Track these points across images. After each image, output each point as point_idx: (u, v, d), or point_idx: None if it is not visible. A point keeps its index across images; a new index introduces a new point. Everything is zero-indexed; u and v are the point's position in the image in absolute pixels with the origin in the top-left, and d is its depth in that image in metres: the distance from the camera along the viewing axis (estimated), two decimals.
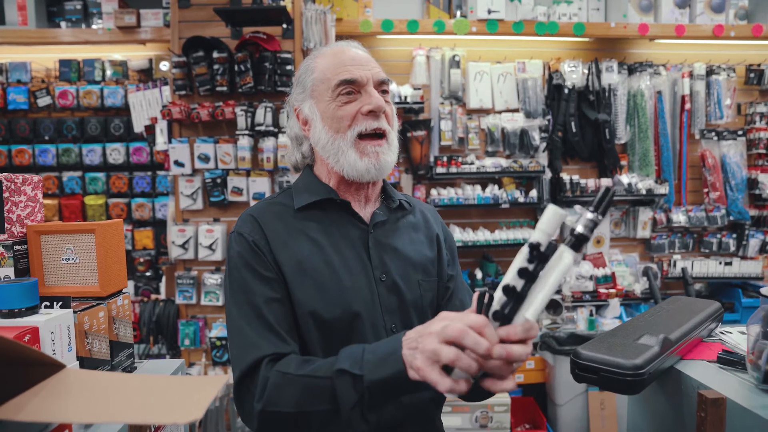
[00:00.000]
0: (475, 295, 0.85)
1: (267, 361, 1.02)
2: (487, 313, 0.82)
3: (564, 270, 0.78)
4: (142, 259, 3.63)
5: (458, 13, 3.69)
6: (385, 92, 1.17)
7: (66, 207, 3.65)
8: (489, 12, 3.54)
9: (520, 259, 0.79)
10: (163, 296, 3.33)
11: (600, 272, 3.68)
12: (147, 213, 3.66)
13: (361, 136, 1.13)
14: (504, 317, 0.81)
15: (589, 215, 0.77)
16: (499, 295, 0.81)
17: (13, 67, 3.66)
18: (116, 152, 3.63)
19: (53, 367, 0.87)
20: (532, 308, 0.79)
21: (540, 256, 0.77)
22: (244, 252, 1.11)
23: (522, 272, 0.78)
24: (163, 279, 3.36)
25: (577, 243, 0.78)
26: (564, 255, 0.78)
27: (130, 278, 3.67)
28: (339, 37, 3.43)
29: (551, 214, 0.78)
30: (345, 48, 1.19)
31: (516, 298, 0.79)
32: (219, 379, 0.84)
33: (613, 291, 3.61)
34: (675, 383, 1.11)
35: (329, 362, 0.96)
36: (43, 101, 3.62)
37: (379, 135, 1.15)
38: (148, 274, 3.66)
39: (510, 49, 3.83)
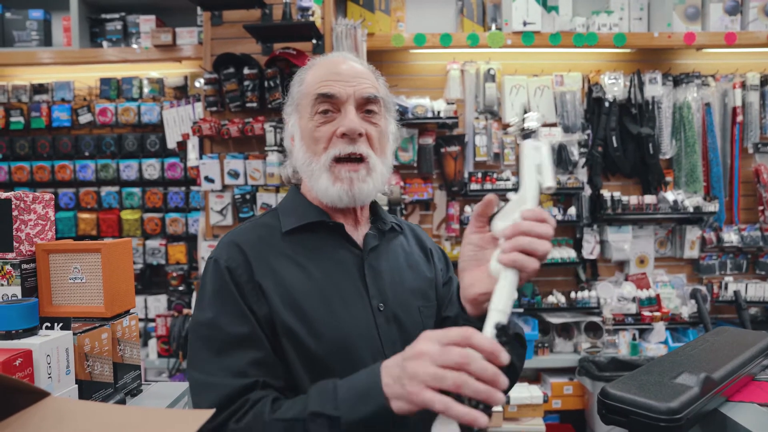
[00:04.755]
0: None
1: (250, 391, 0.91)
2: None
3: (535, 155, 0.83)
4: (175, 274, 3.66)
5: (493, 26, 3.60)
6: (370, 112, 1.06)
7: (103, 221, 3.72)
8: (524, 24, 3.45)
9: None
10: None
11: (643, 294, 3.48)
12: (180, 228, 3.69)
13: (338, 160, 1.04)
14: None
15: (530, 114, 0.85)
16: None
17: (58, 86, 3.79)
18: (152, 168, 3.69)
19: (36, 395, 0.83)
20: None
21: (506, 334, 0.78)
22: (215, 282, 1.00)
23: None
24: (194, 294, 3.37)
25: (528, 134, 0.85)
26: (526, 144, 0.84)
27: (163, 292, 3.70)
28: (370, 51, 3.40)
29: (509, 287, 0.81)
30: (336, 60, 1.10)
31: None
32: (202, 413, 0.79)
33: (657, 314, 3.40)
34: (719, 429, 0.99)
35: (300, 401, 0.86)
36: (84, 118, 3.73)
37: (356, 159, 1.04)
38: (180, 288, 3.68)
39: (547, 61, 3.71)
